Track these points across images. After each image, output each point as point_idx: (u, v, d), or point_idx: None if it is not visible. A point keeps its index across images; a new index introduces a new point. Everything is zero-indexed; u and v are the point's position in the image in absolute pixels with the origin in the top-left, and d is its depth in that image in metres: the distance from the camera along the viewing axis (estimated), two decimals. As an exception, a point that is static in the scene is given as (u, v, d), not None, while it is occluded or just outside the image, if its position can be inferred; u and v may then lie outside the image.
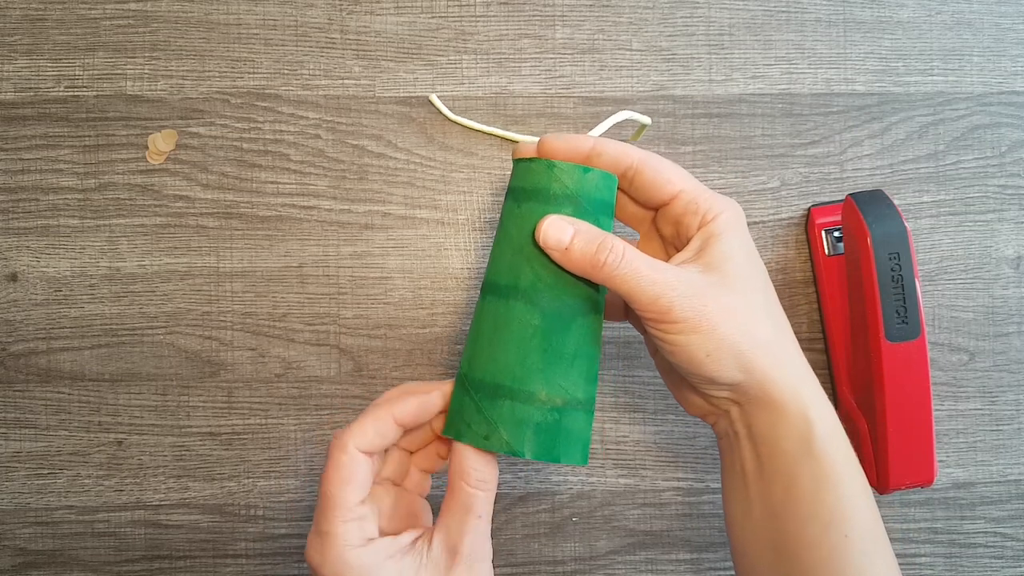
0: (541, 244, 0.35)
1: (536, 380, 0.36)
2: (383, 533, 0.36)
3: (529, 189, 0.37)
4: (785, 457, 0.36)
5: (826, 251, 0.49)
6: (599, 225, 0.36)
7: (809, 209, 0.50)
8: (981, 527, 0.51)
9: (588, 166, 0.37)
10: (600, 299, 0.38)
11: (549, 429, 0.36)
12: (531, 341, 0.36)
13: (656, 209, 0.39)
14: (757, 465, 0.37)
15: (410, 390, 0.37)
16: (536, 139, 0.38)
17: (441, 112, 0.49)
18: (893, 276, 0.43)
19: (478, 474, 0.35)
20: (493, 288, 0.37)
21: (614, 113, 0.41)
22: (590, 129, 0.50)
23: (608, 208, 0.37)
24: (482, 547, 0.35)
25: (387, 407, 0.36)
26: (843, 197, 0.48)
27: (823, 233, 0.49)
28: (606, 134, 0.41)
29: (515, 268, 0.36)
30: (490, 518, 0.35)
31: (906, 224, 0.44)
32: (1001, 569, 0.51)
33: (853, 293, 0.47)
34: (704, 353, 0.35)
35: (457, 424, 0.36)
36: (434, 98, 0.49)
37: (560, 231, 0.35)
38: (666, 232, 0.39)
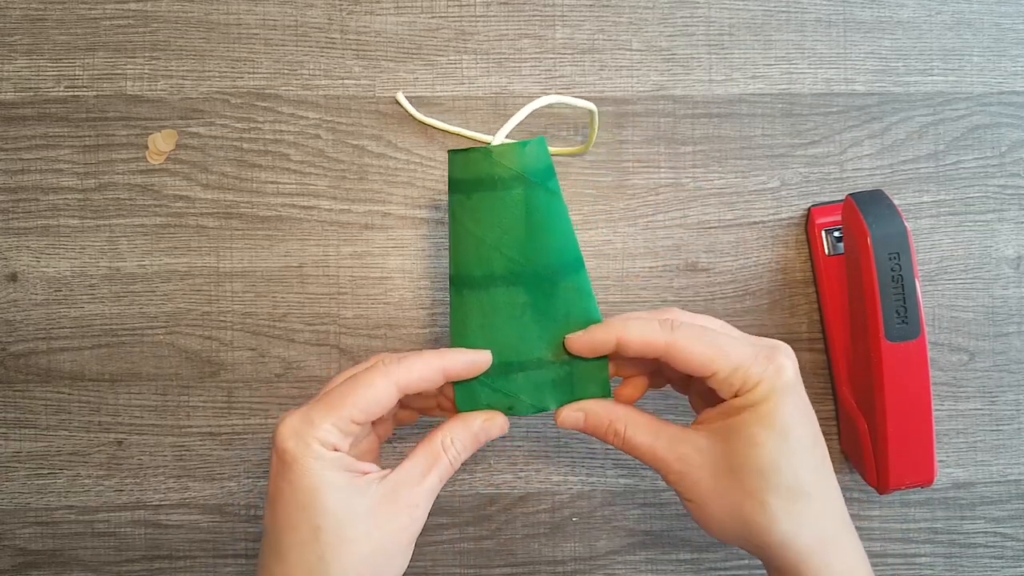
0: (561, 427, 0.39)
1: (539, 347, 0.38)
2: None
3: (474, 179, 0.38)
4: None
5: (826, 251, 0.49)
6: (549, 191, 0.37)
7: (809, 209, 0.50)
8: (981, 527, 0.51)
9: (524, 140, 0.37)
10: (578, 253, 0.38)
11: (565, 380, 0.39)
12: (523, 317, 0.38)
13: None
14: None
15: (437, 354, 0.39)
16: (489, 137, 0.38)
17: (408, 111, 0.49)
18: (893, 276, 0.43)
19: (458, 446, 0.37)
20: (467, 281, 0.38)
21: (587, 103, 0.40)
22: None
23: (551, 171, 0.38)
24: (423, 498, 0.36)
25: (437, 357, 0.37)
26: (843, 197, 0.48)
27: (823, 233, 0.49)
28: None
29: (484, 258, 0.38)
30: (442, 483, 0.37)
31: (906, 224, 0.44)
32: (1001, 569, 0.51)
33: (853, 293, 0.47)
34: (700, 519, 0.37)
35: (477, 407, 0.39)
36: (400, 97, 0.49)
37: (575, 422, 0.39)
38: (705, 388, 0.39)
